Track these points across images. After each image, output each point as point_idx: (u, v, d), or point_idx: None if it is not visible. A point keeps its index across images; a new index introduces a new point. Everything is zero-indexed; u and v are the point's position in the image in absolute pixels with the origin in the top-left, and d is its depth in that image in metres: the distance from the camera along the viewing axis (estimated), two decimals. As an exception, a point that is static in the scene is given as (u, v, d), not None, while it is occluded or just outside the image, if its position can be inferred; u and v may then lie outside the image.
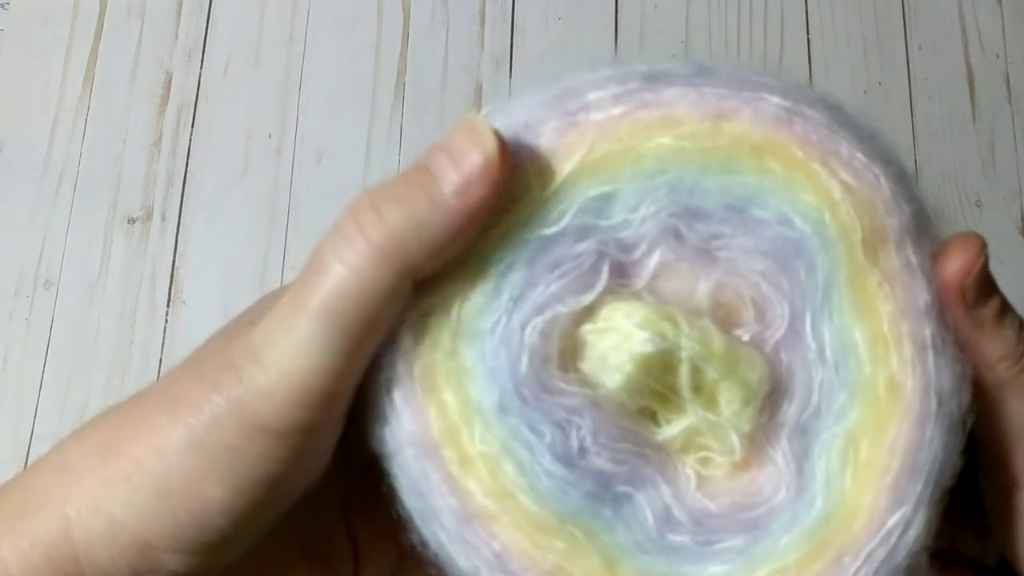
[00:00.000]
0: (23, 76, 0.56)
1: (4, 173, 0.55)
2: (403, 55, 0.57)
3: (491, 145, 0.19)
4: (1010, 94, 0.56)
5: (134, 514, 0.19)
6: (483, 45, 0.57)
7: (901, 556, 0.20)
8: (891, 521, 0.20)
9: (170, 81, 0.57)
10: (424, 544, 0.21)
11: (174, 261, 0.53)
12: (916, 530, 0.20)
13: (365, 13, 0.57)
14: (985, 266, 0.21)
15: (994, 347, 0.21)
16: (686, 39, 0.58)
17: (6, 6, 0.58)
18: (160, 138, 0.55)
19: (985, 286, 0.21)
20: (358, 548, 0.25)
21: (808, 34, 0.57)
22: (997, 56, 0.57)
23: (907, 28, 0.57)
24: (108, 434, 0.20)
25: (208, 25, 0.58)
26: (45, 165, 0.55)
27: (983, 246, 0.21)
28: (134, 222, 0.54)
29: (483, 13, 0.57)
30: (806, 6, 0.58)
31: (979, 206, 0.54)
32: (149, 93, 0.56)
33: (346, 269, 0.19)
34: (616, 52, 0.57)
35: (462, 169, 0.19)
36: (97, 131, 0.56)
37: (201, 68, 0.57)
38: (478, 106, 0.56)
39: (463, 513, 0.20)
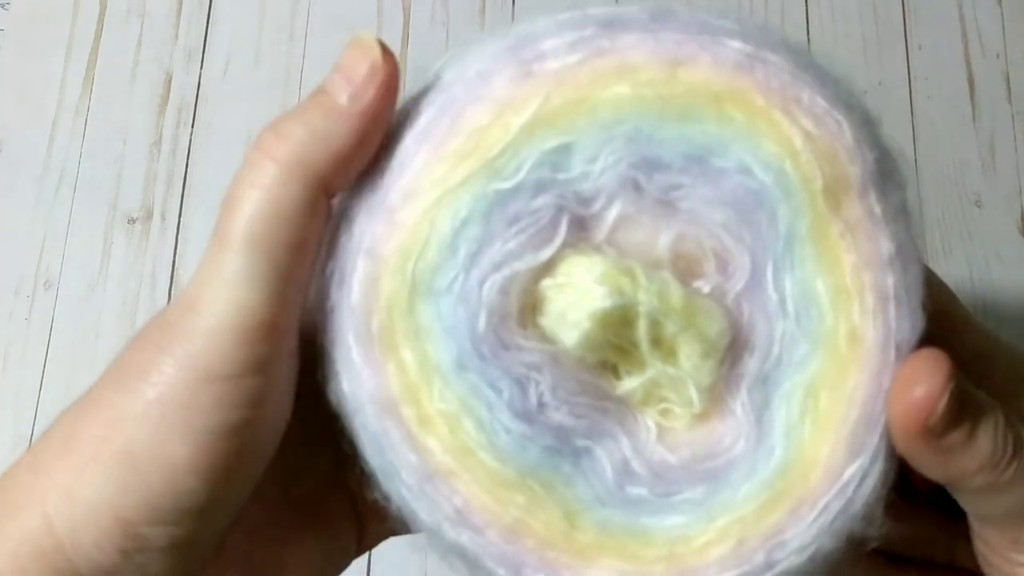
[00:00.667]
0: (23, 76, 0.56)
1: (4, 173, 0.55)
2: (403, 55, 0.57)
3: (375, 51, 0.19)
4: (1010, 94, 0.56)
5: (108, 491, 0.19)
6: (483, 45, 0.57)
7: (858, 506, 0.20)
8: (848, 472, 0.20)
9: (170, 81, 0.57)
10: (387, 499, 0.21)
11: (174, 261, 0.53)
12: (873, 480, 0.20)
13: (365, 13, 0.57)
14: (956, 393, 0.19)
15: (967, 464, 0.20)
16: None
17: (6, 6, 0.58)
18: (160, 138, 0.55)
19: (954, 417, 0.19)
20: (359, 509, 0.25)
21: (808, 34, 0.57)
22: (997, 56, 0.57)
23: (907, 28, 0.57)
24: (69, 424, 0.20)
25: (208, 25, 0.58)
26: (45, 165, 0.55)
27: (950, 373, 0.19)
28: (134, 222, 0.54)
29: (483, 13, 0.57)
30: (806, 6, 0.58)
31: (979, 206, 0.54)
32: (149, 93, 0.56)
33: (257, 191, 0.19)
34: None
35: (352, 78, 0.19)
36: (97, 131, 0.55)
37: (201, 68, 0.57)
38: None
39: (424, 470, 0.20)
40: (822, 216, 0.19)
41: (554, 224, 0.20)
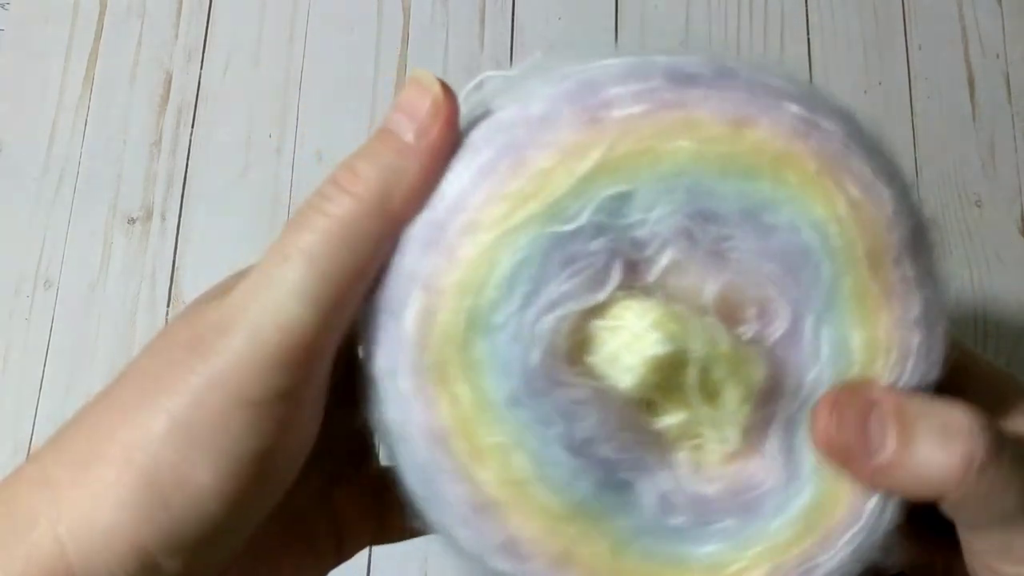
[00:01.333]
0: (23, 76, 0.56)
1: (4, 173, 0.55)
2: (403, 55, 0.57)
3: (436, 88, 0.20)
4: (1010, 94, 0.56)
5: (127, 516, 0.18)
6: (483, 45, 0.57)
7: (878, 535, 0.22)
8: (869, 506, 0.21)
9: (170, 81, 0.57)
10: (424, 523, 0.22)
11: (174, 261, 0.53)
12: (890, 512, 0.21)
13: (365, 13, 0.57)
14: (838, 400, 0.21)
15: (913, 476, 0.21)
16: (686, 39, 0.58)
17: (6, 6, 0.58)
18: (160, 138, 0.55)
19: (844, 427, 0.21)
20: (341, 527, 0.25)
21: (808, 34, 0.57)
22: (997, 56, 0.57)
23: (907, 28, 0.57)
24: (85, 439, 0.19)
25: (208, 25, 0.58)
26: (45, 165, 0.55)
27: (829, 393, 0.21)
28: (134, 222, 0.54)
29: (483, 13, 0.57)
30: (806, 6, 0.58)
31: (979, 206, 0.54)
32: (149, 93, 0.56)
33: (329, 219, 0.19)
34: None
35: (417, 116, 0.20)
36: (97, 131, 0.55)
37: (201, 68, 0.57)
38: (478, 106, 0.56)
39: (474, 502, 0.21)
40: (863, 277, 0.21)
41: (608, 268, 0.21)
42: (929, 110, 0.56)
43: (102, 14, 0.58)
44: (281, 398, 0.19)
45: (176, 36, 0.58)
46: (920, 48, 0.57)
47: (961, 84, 0.57)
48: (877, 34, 0.57)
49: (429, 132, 0.20)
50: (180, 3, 0.58)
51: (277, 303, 0.18)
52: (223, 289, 0.20)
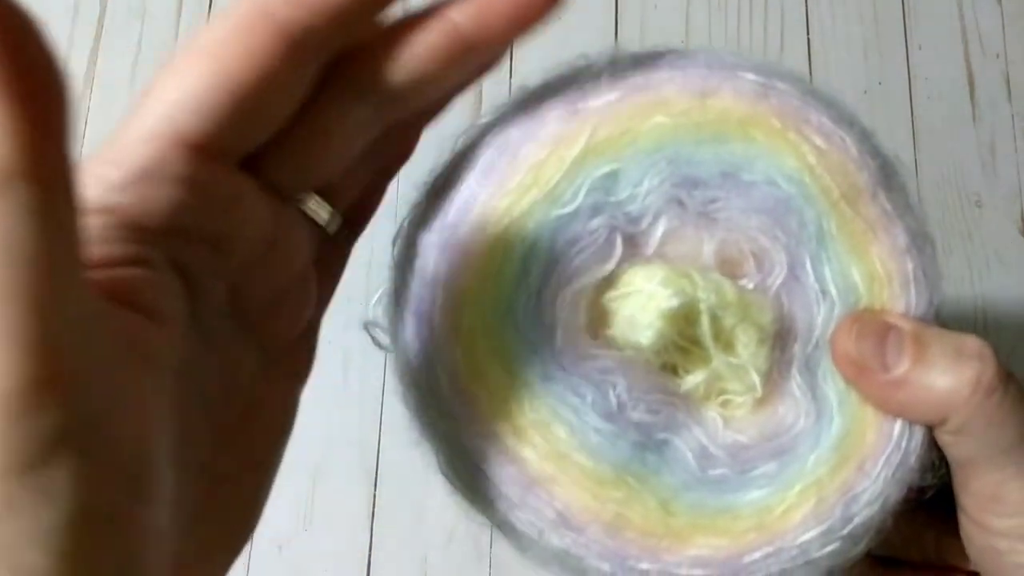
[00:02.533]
0: (23, 76, 0.56)
1: (4, 173, 0.55)
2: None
3: None
4: (1010, 94, 0.56)
5: None
6: (483, 45, 0.57)
7: (912, 457, 0.22)
8: (896, 428, 0.22)
9: (170, 81, 0.57)
10: (484, 517, 0.23)
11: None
12: (920, 432, 0.23)
13: (365, 13, 0.57)
14: (863, 319, 0.22)
15: (924, 392, 0.22)
16: (686, 39, 0.58)
17: (6, 6, 0.58)
18: (160, 138, 0.55)
19: (863, 340, 0.22)
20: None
21: (808, 34, 0.57)
22: (997, 56, 0.57)
23: (907, 28, 0.57)
24: None
25: (208, 25, 0.58)
26: (45, 165, 0.55)
27: (855, 314, 0.22)
28: (134, 222, 0.54)
29: (483, 13, 0.57)
30: (806, 6, 0.58)
31: (979, 206, 0.54)
32: (149, 93, 0.56)
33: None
34: (616, 52, 0.57)
35: None
36: (97, 131, 0.55)
37: (201, 68, 0.57)
38: (478, 106, 0.55)
39: (523, 480, 0.22)
40: (846, 216, 0.22)
41: (610, 242, 0.22)
42: (929, 110, 0.56)
43: (102, 14, 0.58)
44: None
45: (176, 36, 0.58)
46: (920, 48, 0.57)
47: (961, 84, 0.57)
48: (877, 34, 0.57)
49: None
50: (180, 3, 0.58)
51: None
52: None
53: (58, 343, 0.13)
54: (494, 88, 0.57)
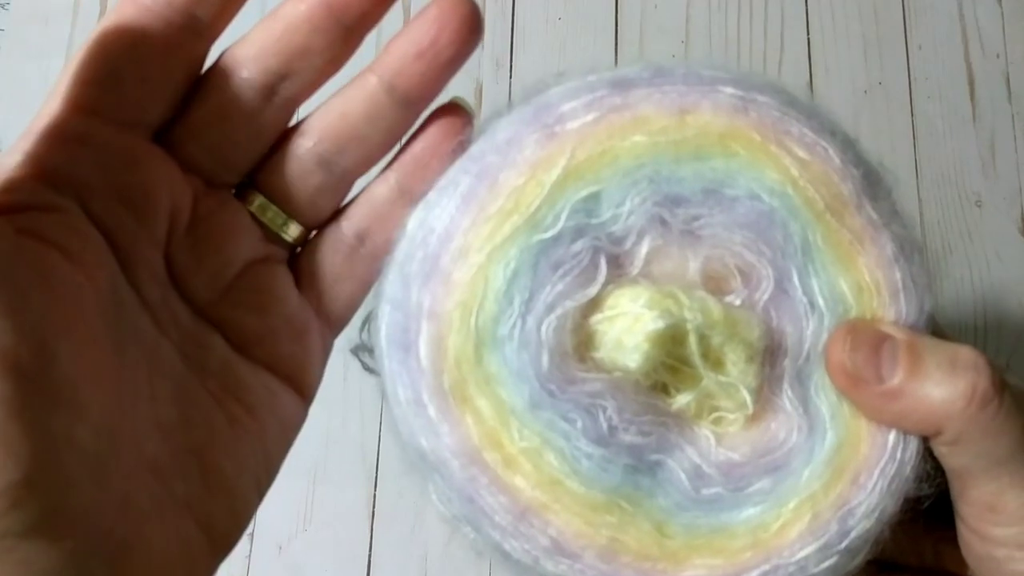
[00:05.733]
0: (23, 76, 0.56)
1: (4, 173, 0.55)
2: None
3: None
4: (1010, 94, 0.56)
5: None
6: (483, 45, 0.57)
7: (908, 468, 0.22)
8: (891, 438, 0.22)
9: (170, 81, 0.57)
10: (478, 545, 0.23)
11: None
12: (915, 442, 0.22)
13: (365, 13, 0.57)
14: (856, 328, 0.22)
15: (920, 403, 0.21)
16: (686, 39, 0.58)
17: (6, 6, 0.58)
18: (160, 138, 0.55)
19: (857, 351, 0.22)
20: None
21: (808, 34, 0.58)
22: (997, 56, 0.57)
23: (907, 28, 0.57)
24: None
25: (208, 25, 0.58)
26: (45, 165, 0.55)
27: (849, 323, 0.22)
28: (134, 222, 0.54)
29: (483, 13, 0.57)
30: (806, 6, 0.58)
31: (979, 206, 0.54)
32: (149, 93, 0.56)
33: None
34: (616, 52, 0.57)
35: None
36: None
37: (201, 68, 0.57)
38: (478, 106, 0.55)
39: (515, 509, 0.21)
40: (831, 227, 0.22)
41: (594, 264, 0.22)
42: (929, 110, 0.56)
43: (102, 14, 0.58)
44: None
45: (176, 36, 0.58)
46: (920, 48, 0.57)
47: (961, 84, 0.57)
48: (877, 34, 0.57)
49: None
50: (180, 3, 0.58)
51: None
52: None
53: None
54: (494, 88, 0.57)
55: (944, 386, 0.21)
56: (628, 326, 0.22)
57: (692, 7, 0.58)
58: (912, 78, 0.57)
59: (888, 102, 0.56)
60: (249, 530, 0.49)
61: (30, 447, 0.15)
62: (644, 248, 0.22)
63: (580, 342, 0.23)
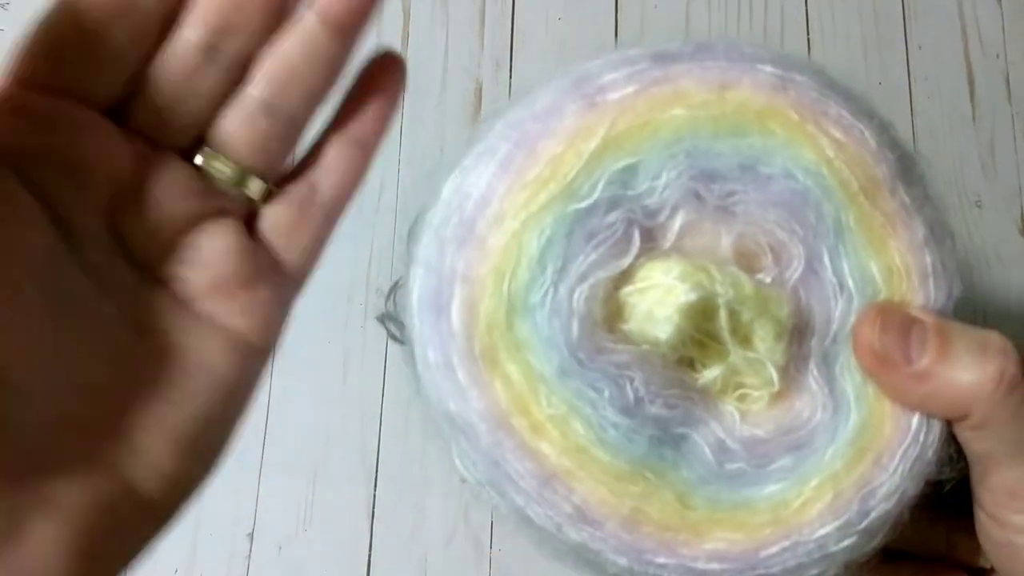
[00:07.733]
0: (23, 76, 0.56)
1: (4, 173, 0.55)
2: (403, 55, 0.57)
3: None
4: (1010, 94, 0.56)
5: None
6: (483, 45, 0.57)
7: (930, 451, 0.22)
8: (914, 421, 0.22)
9: (170, 81, 0.57)
10: (500, 510, 0.23)
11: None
12: (936, 430, 0.22)
13: (365, 13, 0.57)
14: (886, 311, 0.22)
15: (946, 387, 0.21)
16: (686, 39, 0.58)
17: (6, 6, 0.58)
18: (160, 138, 0.55)
19: (888, 333, 0.22)
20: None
21: (808, 34, 0.58)
22: (997, 56, 0.57)
23: (907, 28, 0.57)
24: None
25: (208, 25, 0.58)
26: (45, 165, 0.55)
27: (877, 305, 0.22)
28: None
29: (483, 13, 0.57)
30: (806, 6, 0.58)
31: (979, 206, 0.54)
32: (149, 93, 0.56)
33: None
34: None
35: None
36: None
37: (201, 68, 0.57)
38: (478, 106, 0.55)
39: (541, 474, 0.21)
40: (864, 209, 0.22)
41: (627, 236, 0.22)
42: (929, 110, 0.56)
43: (102, 14, 0.58)
44: None
45: (176, 36, 0.58)
46: (920, 48, 0.57)
47: (961, 84, 0.57)
48: (877, 34, 0.57)
49: None
50: (180, 3, 0.58)
51: None
52: None
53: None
54: (494, 88, 0.57)
55: (973, 370, 0.21)
56: (660, 298, 0.22)
57: (692, 7, 0.58)
58: (912, 78, 0.57)
59: (888, 102, 0.56)
60: (249, 530, 0.49)
61: None
62: (678, 222, 0.22)
63: (610, 313, 0.23)
